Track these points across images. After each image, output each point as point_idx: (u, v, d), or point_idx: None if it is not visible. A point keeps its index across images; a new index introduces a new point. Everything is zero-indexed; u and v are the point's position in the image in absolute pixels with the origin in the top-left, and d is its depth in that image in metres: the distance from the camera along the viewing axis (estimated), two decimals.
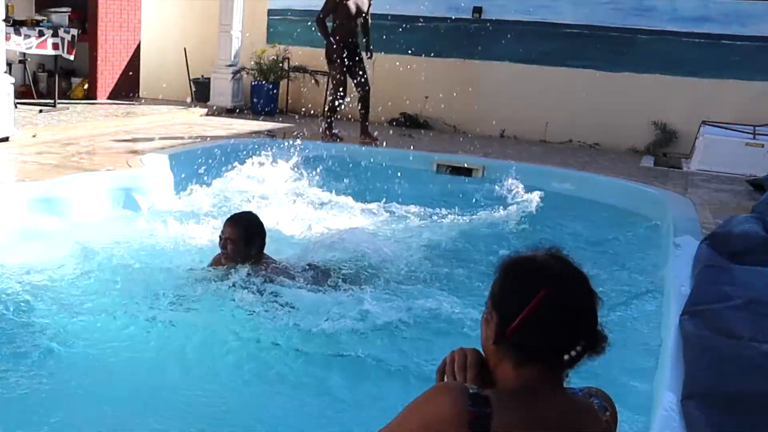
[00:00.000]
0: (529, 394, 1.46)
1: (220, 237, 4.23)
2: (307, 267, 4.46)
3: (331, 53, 8.74)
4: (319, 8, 8.83)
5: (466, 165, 8.06)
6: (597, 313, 1.52)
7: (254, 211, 4.55)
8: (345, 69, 8.71)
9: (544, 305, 1.44)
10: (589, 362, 1.56)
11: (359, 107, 8.98)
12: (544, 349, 1.46)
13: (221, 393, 3.29)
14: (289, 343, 3.67)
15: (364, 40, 8.95)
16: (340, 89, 8.77)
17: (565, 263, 1.53)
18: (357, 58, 8.79)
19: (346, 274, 4.49)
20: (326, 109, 9.19)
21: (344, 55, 8.69)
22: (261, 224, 4.28)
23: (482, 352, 1.60)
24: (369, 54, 8.94)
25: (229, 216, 4.37)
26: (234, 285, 4.05)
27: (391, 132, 10.06)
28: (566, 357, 1.46)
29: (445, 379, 1.57)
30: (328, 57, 8.82)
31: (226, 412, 3.17)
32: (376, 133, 8.99)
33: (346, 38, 8.73)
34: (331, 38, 8.72)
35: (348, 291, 4.23)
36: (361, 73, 8.81)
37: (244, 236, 4.15)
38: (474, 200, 7.12)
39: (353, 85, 8.88)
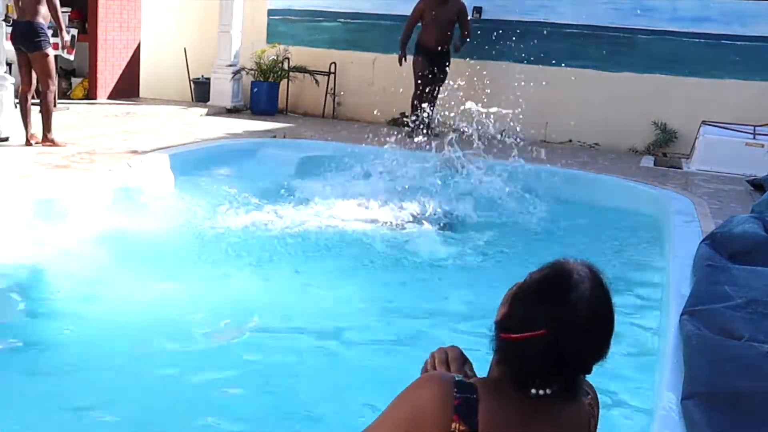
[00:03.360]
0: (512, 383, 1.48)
1: None
2: None
3: None
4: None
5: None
6: (591, 368, 1.45)
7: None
8: None
9: (539, 342, 1.40)
10: None
11: None
12: (518, 372, 1.45)
13: None
14: None
15: None
16: None
17: (597, 307, 1.42)
18: None
19: None
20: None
21: None
22: None
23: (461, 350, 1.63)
24: None
25: None
26: None
27: (390, 132, 10.05)
28: (533, 392, 1.44)
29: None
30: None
31: None
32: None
33: None
34: None
35: None
36: None
37: None
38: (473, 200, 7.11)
39: None
